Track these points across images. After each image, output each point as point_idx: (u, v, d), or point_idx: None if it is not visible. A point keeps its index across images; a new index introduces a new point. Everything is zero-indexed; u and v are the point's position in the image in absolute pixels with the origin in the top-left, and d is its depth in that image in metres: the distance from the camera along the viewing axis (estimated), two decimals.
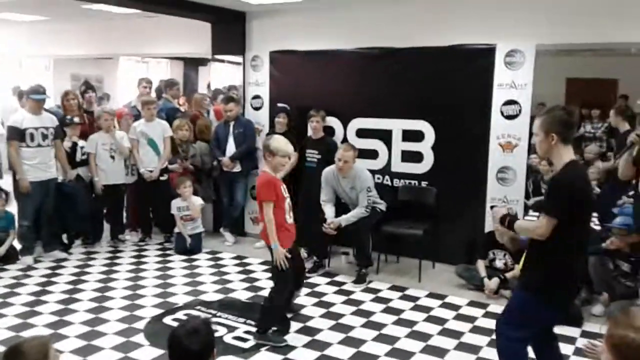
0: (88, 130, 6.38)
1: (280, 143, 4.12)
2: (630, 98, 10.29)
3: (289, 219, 4.19)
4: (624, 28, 4.98)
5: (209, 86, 11.31)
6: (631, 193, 6.44)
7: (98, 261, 5.93)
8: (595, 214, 6.50)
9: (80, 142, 6.18)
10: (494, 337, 4.19)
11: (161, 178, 6.43)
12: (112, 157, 6.28)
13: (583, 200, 2.89)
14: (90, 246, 6.38)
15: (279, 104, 6.44)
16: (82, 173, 6.22)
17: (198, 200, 6.41)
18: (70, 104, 6.31)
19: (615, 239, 4.73)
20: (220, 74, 12.59)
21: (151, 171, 6.35)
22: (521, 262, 4.54)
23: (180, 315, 4.60)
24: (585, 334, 4.32)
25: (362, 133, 6.17)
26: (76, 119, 6.19)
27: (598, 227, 5.68)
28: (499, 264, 5.23)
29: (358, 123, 6.19)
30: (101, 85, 10.27)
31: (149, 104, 6.46)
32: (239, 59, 7.10)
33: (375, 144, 6.10)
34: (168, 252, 6.33)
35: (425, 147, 5.87)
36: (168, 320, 4.50)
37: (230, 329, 4.36)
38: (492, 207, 5.30)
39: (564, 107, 3.02)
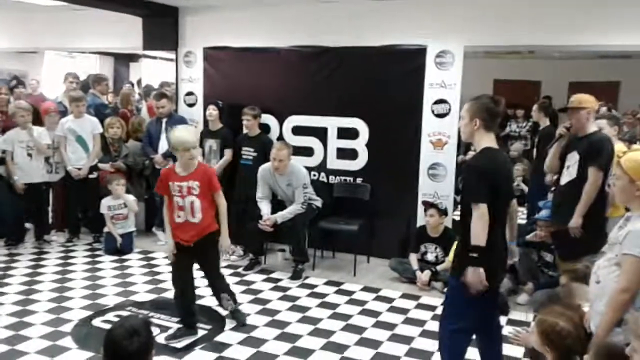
0: (11, 127, 6.07)
1: (174, 137, 3.95)
2: (553, 99, 10.86)
3: (177, 218, 3.99)
4: (547, 32, 5.25)
5: (139, 82, 11.01)
6: (553, 189, 6.79)
7: (22, 263, 5.66)
8: (522, 209, 6.84)
9: None
10: (426, 327, 4.37)
11: (90, 176, 6.20)
12: (30, 155, 5.98)
13: (496, 183, 2.98)
14: (14, 247, 6.08)
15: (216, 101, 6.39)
16: (2, 171, 5.92)
17: (130, 197, 6.24)
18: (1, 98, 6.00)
19: (539, 231, 4.98)
20: (152, 70, 12.28)
21: (79, 169, 6.12)
22: (451, 254, 4.72)
23: (110, 316, 4.45)
24: (511, 322, 4.51)
25: (297, 130, 6.19)
26: None
27: (524, 221, 5.97)
28: (430, 257, 5.39)
29: (294, 120, 6.21)
30: (25, 80, 9.76)
31: (78, 101, 6.21)
32: (171, 54, 6.96)
33: (311, 141, 6.13)
34: (97, 252, 6.11)
35: (360, 144, 5.96)
36: (97, 322, 4.35)
37: (164, 328, 4.26)
38: (423, 202, 5.51)
39: (492, 96, 3.14)
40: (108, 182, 6.14)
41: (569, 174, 4.27)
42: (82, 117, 6.20)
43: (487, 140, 3.06)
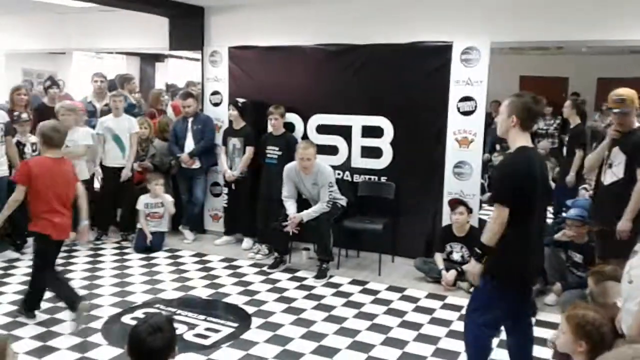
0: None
1: (41, 131, 4.20)
2: (580, 96, 10.67)
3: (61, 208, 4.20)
4: (574, 27, 5.16)
5: (168, 87, 11.13)
6: (581, 187, 6.65)
7: None
8: (549, 208, 6.74)
9: (32, 138, 5.99)
10: (452, 327, 4.34)
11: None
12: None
13: (528, 184, 2.96)
14: None
15: (240, 100, 6.43)
16: None
17: (169, 197, 6.32)
18: (20, 99, 6.12)
19: (568, 230, 4.90)
20: (178, 70, 12.42)
21: (120, 169, 6.27)
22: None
23: (139, 314, 4.52)
24: (539, 323, 4.45)
25: (322, 129, 6.19)
26: (24, 116, 6.00)
27: (550, 220, 5.87)
28: (456, 256, 5.35)
29: (318, 119, 6.21)
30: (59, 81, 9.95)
31: (117, 96, 6.36)
32: (197, 54, 7.02)
33: (336, 140, 6.13)
34: (125, 250, 6.21)
35: (384, 142, 5.93)
36: (126, 319, 4.42)
37: (191, 326, 4.31)
38: (450, 200, 5.47)
39: (534, 95, 3.10)
40: (148, 181, 6.23)
41: (613, 173, 4.12)
42: (120, 116, 6.32)
43: (522, 139, 3.03)
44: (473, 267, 3.06)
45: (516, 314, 3.23)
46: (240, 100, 6.31)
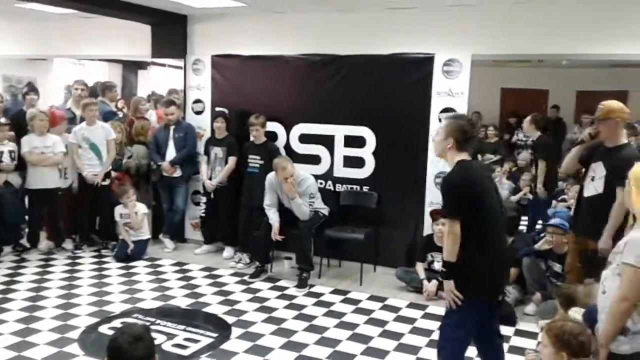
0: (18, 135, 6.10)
1: None
2: (559, 108, 10.84)
3: None
4: (554, 41, 5.24)
5: (149, 96, 11.06)
6: (560, 198, 6.72)
7: (29, 269, 5.68)
8: (525, 218, 6.81)
9: (9, 146, 5.90)
10: (432, 337, 4.34)
11: (102, 183, 6.21)
12: None
13: (473, 195, 3.02)
14: (24, 253, 6.12)
15: (217, 108, 6.42)
16: (11, 179, 5.94)
17: (142, 209, 6.25)
18: None
19: (549, 237, 4.93)
20: (161, 78, 12.35)
21: (95, 175, 6.14)
22: None
23: (116, 323, 4.45)
24: (518, 333, 4.49)
25: (304, 138, 6.19)
26: (2, 120, 5.92)
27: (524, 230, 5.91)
28: (437, 266, 5.35)
29: (301, 128, 6.21)
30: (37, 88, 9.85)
31: (90, 105, 6.24)
32: (179, 62, 6.99)
33: (318, 149, 6.13)
34: (105, 259, 6.13)
35: (367, 152, 5.95)
36: (104, 329, 4.36)
37: (170, 336, 4.26)
38: (432, 211, 5.50)
39: (469, 118, 3.25)
40: (118, 195, 6.14)
41: (594, 187, 4.12)
42: (94, 125, 6.22)
43: (459, 156, 3.12)
44: (446, 286, 3.10)
45: (486, 331, 3.26)
46: (219, 109, 6.29)
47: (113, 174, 6.37)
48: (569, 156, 4.46)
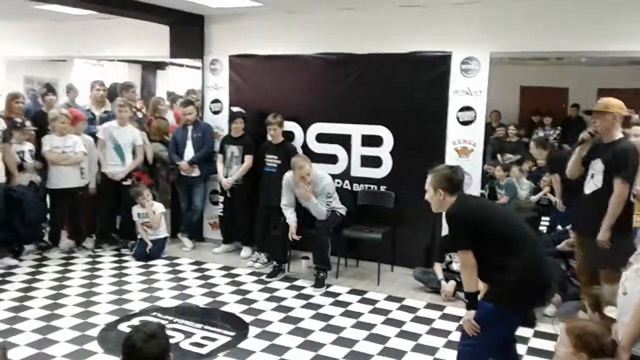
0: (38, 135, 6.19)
1: None
2: (580, 107, 10.69)
3: None
4: (574, 38, 5.17)
5: (168, 95, 11.15)
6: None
7: (50, 267, 5.77)
8: (546, 219, 6.74)
9: (28, 146, 5.99)
10: (450, 338, 4.32)
11: (123, 182, 6.28)
12: None
13: (480, 223, 3.06)
14: (46, 252, 6.20)
15: (234, 109, 6.45)
16: (33, 178, 6.03)
17: (159, 208, 6.30)
18: (17, 107, 6.12)
19: (572, 238, 4.87)
20: (179, 78, 12.43)
21: (116, 174, 6.23)
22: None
23: (135, 322, 4.50)
24: (538, 334, 4.43)
25: (321, 138, 6.19)
26: (28, 123, 6.01)
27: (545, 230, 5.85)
28: (455, 266, 5.32)
29: (318, 128, 6.21)
30: (56, 88, 9.98)
31: (123, 107, 6.30)
32: (197, 62, 7.04)
33: (335, 149, 6.13)
34: (125, 257, 6.20)
35: (384, 152, 5.93)
36: (123, 327, 4.40)
37: (187, 334, 4.29)
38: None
39: (449, 166, 3.31)
40: (133, 197, 6.20)
41: (593, 183, 4.14)
42: (125, 126, 6.29)
43: (454, 198, 3.17)
44: (468, 315, 3.08)
45: (503, 343, 3.23)
46: (237, 109, 6.33)
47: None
48: (572, 160, 4.45)
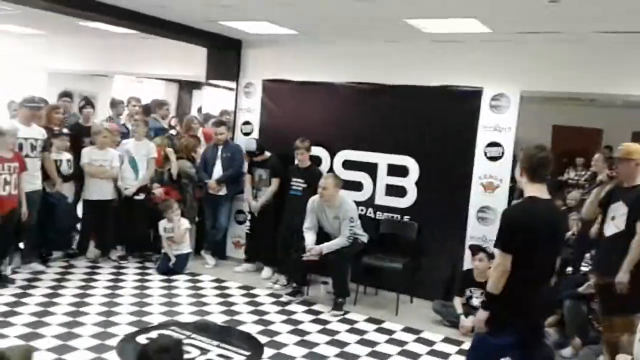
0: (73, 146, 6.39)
1: None
2: (613, 149, 10.52)
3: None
4: (607, 79, 5.17)
5: (199, 110, 11.39)
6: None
7: (76, 275, 5.90)
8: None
9: (67, 156, 6.19)
10: None
11: (136, 197, 6.40)
12: None
13: (527, 234, 2.94)
14: (73, 259, 6.35)
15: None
16: (67, 188, 6.21)
17: (185, 224, 6.41)
18: (57, 118, 6.34)
19: (593, 281, 4.79)
20: (213, 98, 12.70)
21: (127, 188, 6.35)
22: None
23: (153, 334, 4.57)
24: None
25: (348, 165, 6.26)
26: (65, 130, 6.23)
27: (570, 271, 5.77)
28: (475, 302, 5.27)
29: (345, 155, 6.28)
30: (94, 102, 10.29)
31: (143, 123, 6.53)
32: (232, 84, 7.21)
33: (361, 176, 6.18)
34: (148, 270, 6.30)
35: (409, 182, 5.96)
36: (141, 339, 4.47)
37: (204, 351, 4.34)
38: (470, 246, 5.43)
39: (538, 144, 3.12)
40: (163, 210, 6.32)
41: (615, 225, 4.08)
42: (141, 141, 6.48)
43: (532, 190, 3.03)
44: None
45: None
46: (250, 138, 6.54)
47: (157, 190, 6.53)
48: (589, 200, 4.42)
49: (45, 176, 5.89)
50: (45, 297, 5.20)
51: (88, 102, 7.05)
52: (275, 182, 6.29)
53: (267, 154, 6.37)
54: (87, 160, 6.22)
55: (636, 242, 3.92)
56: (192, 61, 7.31)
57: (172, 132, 7.57)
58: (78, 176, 6.30)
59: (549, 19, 4.69)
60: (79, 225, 6.57)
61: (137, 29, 6.44)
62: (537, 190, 3.03)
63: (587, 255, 5.18)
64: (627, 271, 3.92)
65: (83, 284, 5.67)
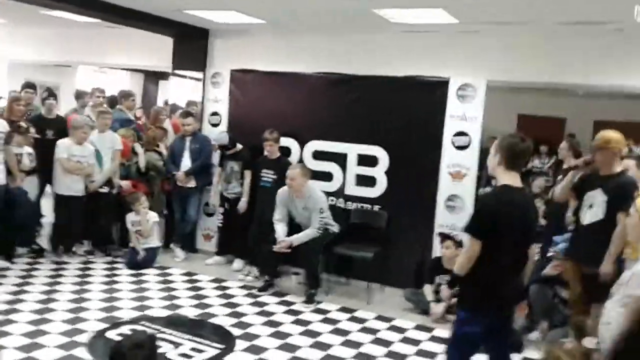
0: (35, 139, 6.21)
1: None
2: (576, 137, 10.78)
3: None
4: (571, 70, 5.30)
5: (166, 102, 11.23)
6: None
7: (42, 272, 5.77)
8: (538, 245, 6.75)
9: (27, 149, 6.01)
10: None
11: (100, 190, 6.27)
12: None
13: (500, 222, 2.98)
14: (39, 256, 6.20)
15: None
16: (29, 181, 6.04)
17: (153, 217, 6.33)
18: (18, 110, 6.15)
19: (557, 262, 4.91)
20: (180, 89, 12.54)
21: (92, 182, 6.21)
22: None
23: (124, 330, 4.52)
24: None
25: (318, 155, 6.26)
26: (32, 130, 6.05)
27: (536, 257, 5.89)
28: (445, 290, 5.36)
29: (314, 145, 6.28)
30: (57, 93, 10.04)
31: (105, 114, 6.37)
32: (199, 75, 7.12)
33: (331, 167, 6.19)
34: (117, 265, 6.21)
35: (379, 172, 6.00)
36: (111, 334, 4.41)
37: (176, 345, 4.30)
38: (439, 233, 5.51)
39: (519, 134, 3.17)
40: (130, 202, 6.22)
41: (593, 213, 4.13)
42: (104, 132, 6.33)
43: (507, 178, 3.07)
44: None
45: (492, 347, 3.26)
46: (222, 132, 6.43)
47: (124, 183, 6.41)
48: (562, 184, 4.49)
49: (8, 171, 5.73)
50: (11, 294, 5.07)
51: (51, 93, 6.86)
52: (248, 174, 6.25)
53: (239, 146, 6.32)
54: (65, 155, 6.00)
55: (617, 233, 3.93)
56: (158, 51, 7.20)
57: (138, 122, 7.43)
58: (41, 170, 6.13)
59: (515, 10, 4.77)
60: (43, 220, 6.42)
61: (101, 18, 6.31)
62: (511, 179, 3.07)
63: (555, 239, 5.30)
64: (612, 262, 3.94)
65: (50, 280, 5.56)
